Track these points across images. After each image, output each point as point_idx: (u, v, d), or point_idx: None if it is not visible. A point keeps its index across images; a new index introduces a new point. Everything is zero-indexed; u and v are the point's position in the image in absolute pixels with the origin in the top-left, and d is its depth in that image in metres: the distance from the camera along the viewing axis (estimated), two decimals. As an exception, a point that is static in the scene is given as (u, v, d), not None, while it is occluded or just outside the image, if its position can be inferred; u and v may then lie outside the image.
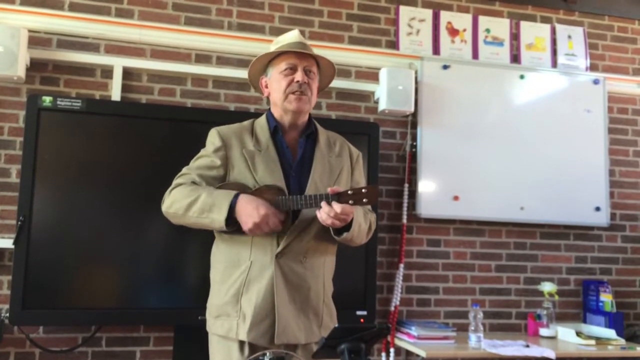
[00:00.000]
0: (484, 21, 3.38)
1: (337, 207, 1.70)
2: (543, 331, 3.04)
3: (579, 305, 3.32)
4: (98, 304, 2.58)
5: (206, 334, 1.93)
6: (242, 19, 3.06)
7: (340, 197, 1.72)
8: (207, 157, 1.90)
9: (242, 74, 2.91)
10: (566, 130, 3.32)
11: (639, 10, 3.61)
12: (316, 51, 1.98)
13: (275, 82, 1.93)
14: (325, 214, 1.72)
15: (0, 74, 2.59)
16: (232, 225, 1.75)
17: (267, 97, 2.02)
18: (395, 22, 3.27)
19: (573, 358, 2.90)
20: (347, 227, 1.79)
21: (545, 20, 3.48)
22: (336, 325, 1.88)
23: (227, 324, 1.82)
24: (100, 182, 2.61)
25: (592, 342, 2.83)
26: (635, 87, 3.53)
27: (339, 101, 3.14)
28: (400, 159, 3.17)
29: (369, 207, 2.00)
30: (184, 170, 1.92)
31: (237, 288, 1.82)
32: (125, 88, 2.85)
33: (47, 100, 2.56)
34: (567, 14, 3.53)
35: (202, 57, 2.98)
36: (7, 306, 2.54)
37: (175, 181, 1.90)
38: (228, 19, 3.04)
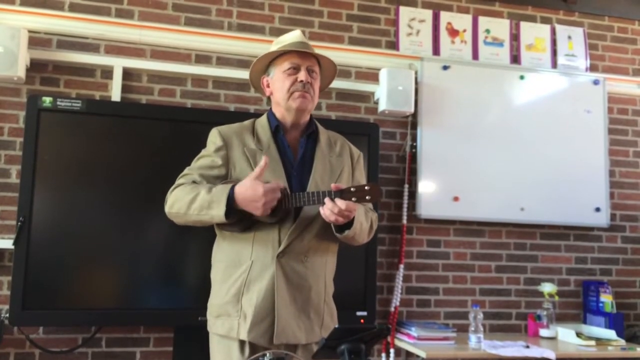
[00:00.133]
0: (484, 22, 3.38)
1: (340, 203, 1.71)
2: (543, 332, 3.03)
3: (579, 306, 3.32)
4: (98, 305, 2.58)
5: (206, 334, 1.93)
6: (242, 20, 3.06)
7: (343, 193, 1.73)
8: (208, 157, 1.91)
9: (242, 74, 2.92)
10: (566, 131, 3.32)
11: (638, 10, 3.61)
12: (316, 51, 1.99)
13: (278, 81, 1.93)
14: (328, 210, 1.72)
15: (0, 74, 2.59)
16: (233, 216, 1.75)
17: (268, 98, 2.02)
18: (395, 22, 3.27)
19: (573, 359, 2.90)
20: (349, 224, 1.79)
21: (545, 20, 3.49)
22: (336, 325, 1.88)
23: (227, 323, 1.82)
24: (100, 182, 2.61)
25: (592, 342, 2.83)
26: (635, 88, 3.53)
27: (339, 102, 3.14)
28: (400, 159, 3.17)
29: (371, 206, 2.01)
30: (186, 170, 1.93)
31: (238, 288, 1.82)
32: (125, 88, 2.85)
33: (47, 100, 2.56)
34: (567, 14, 3.53)
35: (202, 58, 2.98)
36: (7, 307, 2.54)
37: (177, 181, 1.91)
38: (228, 19, 3.04)
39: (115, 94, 2.81)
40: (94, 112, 2.62)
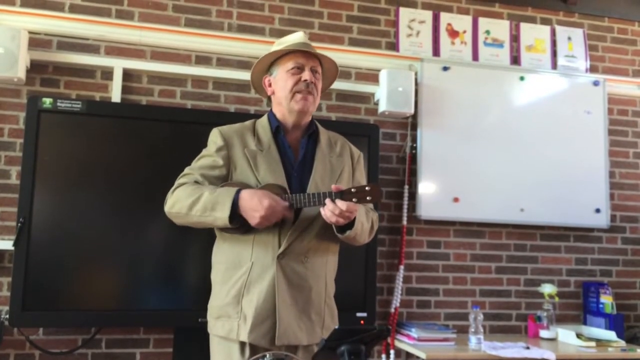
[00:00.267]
0: (483, 23, 3.38)
1: (341, 204, 1.71)
2: (543, 333, 3.03)
3: (579, 307, 3.32)
4: (98, 306, 2.58)
5: (206, 335, 1.93)
6: (242, 21, 3.06)
7: (343, 194, 1.73)
8: (209, 157, 1.91)
9: (242, 75, 2.93)
10: (566, 132, 3.32)
11: (638, 11, 3.61)
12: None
13: (281, 80, 1.93)
14: (329, 211, 1.72)
15: (0, 75, 2.59)
16: (236, 221, 1.75)
17: (268, 99, 2.02)
18: (395, 23, 3.27)
19: (573, 360, 2.90)
20: (350, 225, 1.79)
21: (545, 21, 3.49)
22: (337, 325, 1.88)
23: (228, 325, 1.82)
24: (101, 183, 2.61)
25: (593, 344, 2.83)
26: (635, 89, 3.53)
27: (339, 103, 3.14)
28: (400, 160, 3.17)
29: (371, 206, 2.01)
30: (186, 170, 1.92)
31: (238, 289, 1.82)
32: (125, 89, 2.85)
33: (47, 101, 2.56)
34: (567, 15, 3.53)
35: (202, 59, 2.98)
36: (7, 308, 2.54)
37: (178, 181, 1.90)
38: (228, 20, 3.04)
39: (116, 95, 2.81)
40: (94, 113, 2.62)
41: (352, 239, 1.85)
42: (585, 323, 3.25)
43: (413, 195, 3.12)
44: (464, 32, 3.35)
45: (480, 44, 3.35)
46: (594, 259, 3.37)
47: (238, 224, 1.76)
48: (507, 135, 3.25)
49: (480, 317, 2.79)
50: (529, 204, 3.22)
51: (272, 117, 1.97)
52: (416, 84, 3.16)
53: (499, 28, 3.40)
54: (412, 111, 3.10)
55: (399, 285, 3.03)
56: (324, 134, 2.01)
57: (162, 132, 2.70)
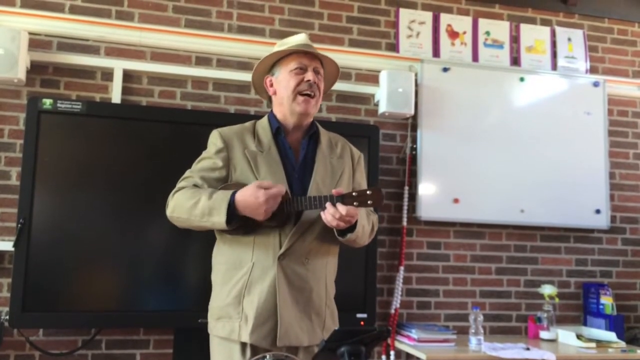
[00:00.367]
0: (483, 24, 3.38)
1: (342, 208, 1.71)
2: (543, 334, 3.03)
3: (580, 308, 3.32)
4: (98, 307, 2.58)
5: (206, 336, 1.92)
6: (243, 22, 3.06)
7: (344, 198, 1.72)
8: (209, 159, 1.90)
9: (243, 76, 2.93)
10: (566, 133, 3.32)
11: (638, 12, 3.62)
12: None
13: (284, 81, 1.92)
14: (330, 215, 1.72)
15: (0, 76, 2.59)
16: (235, 222, 1.75)
17: (269, 99, 2.02)
18: (395, 24, 3.27)
19: (573, 361, 2.90)
20: (351, 228, 1.79)
21: (545, 22, 3.49)
22: (337, 327, 1.88)
23: (228, 325, 1.82)
24: (101, 184, 2.61)
25: (593, 345, 2.83)
26: (635, 90, 3.53)
27: (339, 104, 3.14)
28: (400, 161, 3.17)
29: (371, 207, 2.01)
30: (187, 173, 1.92)
31: (239, 290, 1.82)
32: (125, 90, 2.85)
33: (47, 102, 2.56)
34: (567, 16, 3.53)
35: (203, 60, 2.98)
36: (7, 309, 2.54)
37: (178, 185, 1.90)
38: (228, 21, 3.05)
39: (116, 96, 2.82)
40: (94, 114, 2.62)
41: (352, 242, 1.85)
42: (585, 324, 3.25)
43: (413, 196, 3.12)
44: (464, 33, 3.35)
45: (480, 45, 3.36)
46: (594, 260, 3.37)
47: (236, 225, 1.76)
48: (507, 136, 3.25)
49: (481, 318, 2.79)
50: (529, 204, 3.22)
51: (272, 118, 1.97)
52: (416, 85, 3.16)
53: (499, 29, 3.40)
54: (412, 112, 3.10)
55: (399, 286, 3.03)
56: (324, 135, 2.01)
57: (162, 133, 2.70)
